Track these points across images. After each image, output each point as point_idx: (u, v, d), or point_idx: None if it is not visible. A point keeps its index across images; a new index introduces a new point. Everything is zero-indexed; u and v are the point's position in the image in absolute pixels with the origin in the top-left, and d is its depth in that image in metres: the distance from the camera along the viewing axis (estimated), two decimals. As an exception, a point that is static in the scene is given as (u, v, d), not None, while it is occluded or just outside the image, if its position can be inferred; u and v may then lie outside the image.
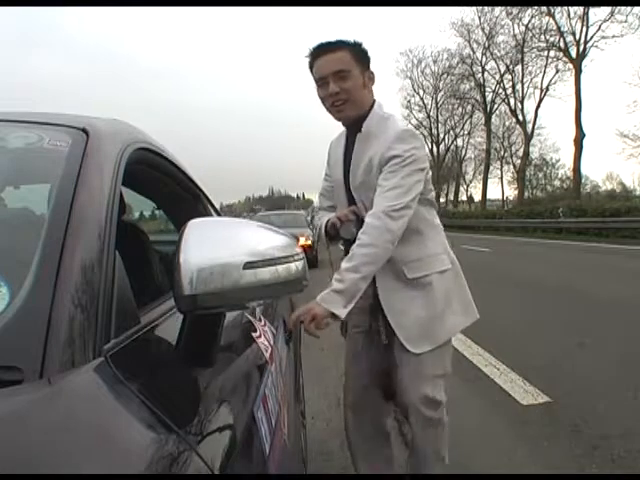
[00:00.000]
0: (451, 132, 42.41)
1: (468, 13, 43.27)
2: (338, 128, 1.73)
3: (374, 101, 1.65)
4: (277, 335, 1.34)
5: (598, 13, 34.62)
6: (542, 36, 29.05)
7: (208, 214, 1.58)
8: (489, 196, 39.04)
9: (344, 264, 1.44)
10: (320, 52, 1.59)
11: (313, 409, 2.72)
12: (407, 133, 1.56)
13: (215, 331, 0.76)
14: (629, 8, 24.38)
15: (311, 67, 1.62)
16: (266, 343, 1.12)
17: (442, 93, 40.15)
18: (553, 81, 30.76)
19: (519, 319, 4.99)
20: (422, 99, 41.93)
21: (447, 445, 1.63)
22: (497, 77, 34.10)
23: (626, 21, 25.20)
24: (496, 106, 35.63)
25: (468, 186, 46.70)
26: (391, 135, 1.55)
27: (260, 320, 1.24)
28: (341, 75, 1.55)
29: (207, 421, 0.61)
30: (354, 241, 1.47)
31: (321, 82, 1.58)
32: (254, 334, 1.10)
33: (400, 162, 1.52)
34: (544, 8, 27.32)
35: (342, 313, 1.39)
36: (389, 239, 1.45)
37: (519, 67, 32.19)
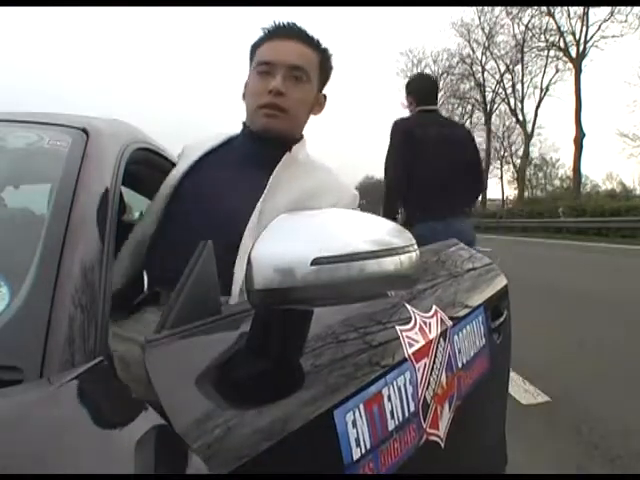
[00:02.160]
0: (451, 132, 42.34)
1: (468, 13, 43.29)
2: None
3: (303, 136, 1.20)
4: (458, 327, 1.16)
5: (598, 13, 34.60)
6: (542, 36, 29.09)
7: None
8: (489, 196, 39.02)
9: None
10: (284, 34, 1.14)
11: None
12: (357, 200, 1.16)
13: (289, 328, 0.69)
14: (629, 8, 24.41)
15: (258, 46, 1.16)
16: (418, 337, 0.98)
17: (442, 93, 40.14)
18: (553, 81, 30.81)
19: (518, 318, 4.98)
20: (422, 99, 41.85)
21: None
22: (497, 77, 34.14)
23: (626, 21, 25.26)
24: (496, 106, 35.68)
25: (468, 186, 46.62)
26: (343, 191, 1.13)
27: (429, 310, 1.08)
28: (296, 75, 1.11)
29: (211, 420, 0.60)
30: None
31: (264, 69, 1.12)
32: (402, 327, 0.96)
33: None
34: (544, 8, 27.34)
35: None
36: None
37: (519, 67, 32.23)
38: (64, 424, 0.49)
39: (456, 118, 40.67)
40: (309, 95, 1.15)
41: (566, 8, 26.45)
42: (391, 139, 2.76)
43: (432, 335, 1.03)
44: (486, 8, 31.04)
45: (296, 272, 0.59)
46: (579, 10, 26.22)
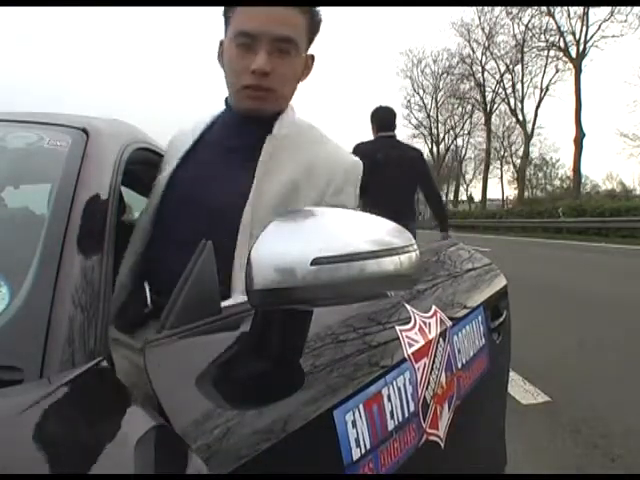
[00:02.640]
0: (451, 132, 42.45)
1: (468, 13, 43.35)
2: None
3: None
4: (458, 327, 1.16)
5: (598, 13, 34.66)
6: (542, 36, 29.08)
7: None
8: (489, 196, 39.06)
9: None
10: None
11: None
12: (360, 168, 1.08)
13: (290, 328, 0.69)
14: (629, 8, 24.41)
15: (230, 5, 1.00)
16: (418, 337, 0.98)
17: (442, 93, 40.20)
18: (553, 81, 30.81)
19: (518, 318, 4.98)
20: (422, 99, 41.96)
21: None
22: (497, 77, 34.12)
23: (626, 21, 25.25)
24: (496, 106, 35.67)
25: (468, 186, 46.72)
26: (337, 164, 1.03)
27: (428, 311, 1.08)
28: (283, 47, 0.97)
29: (211, 420, 0.61)
30: None
31: (244, 41, 0.96)
32: (401, 327, 0.96)
33: None
34: (544, 8, 27.33)
35: None
36: None
37: (519, 67, 32.23)
38: (64, 424, 0.49)
39: (456, 118, 40.78)
40: (298, 67, 1.03)
41: (566, 8, 26.47)
42: None
43: (432, 335, 1.03)
44: (486, 8, 31.07)
45: (296, 272, 0.59)
46: (579, 10, 26.24)
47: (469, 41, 34.29)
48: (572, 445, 2.26)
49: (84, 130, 0.88)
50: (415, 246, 0.67)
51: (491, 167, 38.14)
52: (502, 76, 33.44)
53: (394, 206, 3.05)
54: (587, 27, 26.54)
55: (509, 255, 12.21)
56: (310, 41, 1.05)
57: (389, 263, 0.63)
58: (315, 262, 0.59)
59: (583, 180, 33.28)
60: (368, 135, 3.70)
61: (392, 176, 3.33)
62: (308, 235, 0.62)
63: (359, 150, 3.32)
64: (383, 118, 3.65)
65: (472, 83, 36.06)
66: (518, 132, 35.96)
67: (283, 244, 0.61)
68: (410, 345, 0.95)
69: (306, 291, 0.60)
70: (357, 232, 0.64)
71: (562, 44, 27.96)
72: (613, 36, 26.26)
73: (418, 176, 3.60)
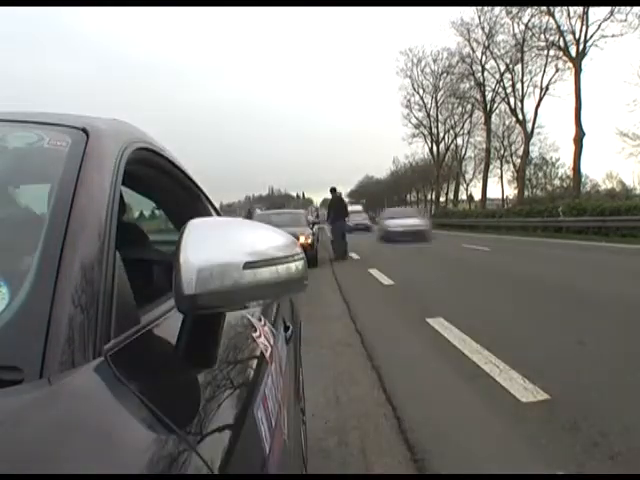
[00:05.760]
0: (451, 131, 42.42)
1: (468, 12, 43.17)
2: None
3: None
4: (277, 335, 1.35)
5: (598, 12, 34.56)
6: (542, 35, 28.99)
7: (208, 214, 1.59)
8: (489, 195, 38.99)
9: None
10: None
11: (312, 407, 2.73)
12: None
13: (215, 331, 0.76)
14: (629, 8, 24.35)
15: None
16: (266, 343, 1.12)
17: (442, 92, 40.16)
18: (553, 80, 30.70)
19: (519, 317, 4.99)
20: (422, 98, 41.94)
21: None
22: (497, 76, 34.03)
23: (626, 20, 25.14)
24: (496, 105, 35.58)
25: (468, 185, 46.66)
26: None
27: (260, 320, 1.24)
28: None
29: (207, 421, 0.61)
30: None
31: None
32: (254, 334, 1.10)
33: None
34: (544, 7, 27.28)
35: None
36: None
37: (519, 66, 32.12)
38: (64, 424, 0.49)
39: (456, 117, 40.73)
40: None
41: (566, 7, 26.40)
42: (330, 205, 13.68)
43: (272, 342, 1.19)
44: (486, 7, 30.98)
45: (224, 276, 0.66)
46: (579, 9, 26.15)
47: (469, 40, 34.21)
48: (571, 443, 2.26)
49: (84, 130, 0.88)
50: (302, 255, 0.80)
51: (491, 166, 38.10)
52: (502, 75, 33.38)
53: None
54: (587, 26, 26.48)
55: (509, 254, 12.18)
56: None
57: (294, 268, 0.75)
58: (245, 266, 0.68)
59: (583, 179, 33.13)
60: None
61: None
62: (232, 242, 0.71)
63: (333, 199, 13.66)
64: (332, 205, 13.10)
65: (472, 82, 35.99)
66: (518, 131, 35.90)
67: (209, 250, 0.68)
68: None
69: (235, 293, 0.67)
70: (267, 241, 0.75)
71: (562, 43, 27.90)
72: (613, 36, 26.16)
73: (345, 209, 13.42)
